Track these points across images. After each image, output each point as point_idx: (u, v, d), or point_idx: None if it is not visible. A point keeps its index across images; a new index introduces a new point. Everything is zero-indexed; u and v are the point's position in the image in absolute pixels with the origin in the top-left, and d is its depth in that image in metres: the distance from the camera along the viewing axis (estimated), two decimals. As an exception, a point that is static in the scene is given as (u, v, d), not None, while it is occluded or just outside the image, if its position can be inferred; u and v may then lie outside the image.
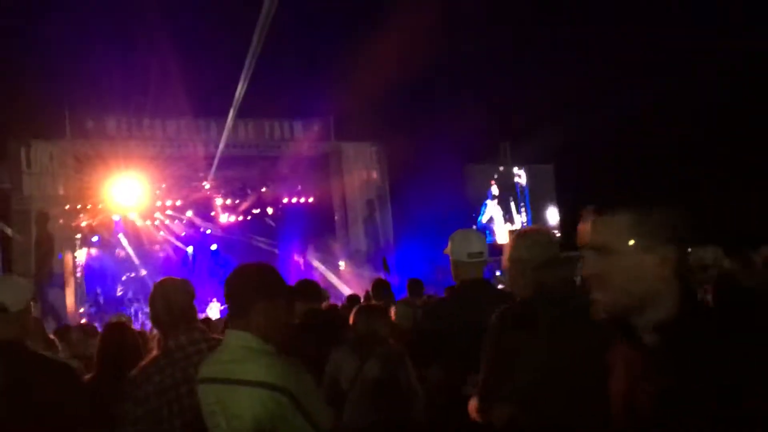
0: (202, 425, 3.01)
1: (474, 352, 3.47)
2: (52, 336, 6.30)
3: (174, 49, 17.05)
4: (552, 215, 25.74)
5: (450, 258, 4.35)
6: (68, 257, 17.61)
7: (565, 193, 25.31)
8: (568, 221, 25.67)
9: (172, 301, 3.41)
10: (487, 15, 19.57)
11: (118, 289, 20.48)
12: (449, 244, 4.35)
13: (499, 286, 6.02)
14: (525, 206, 25.56)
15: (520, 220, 25.47)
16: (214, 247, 23.20)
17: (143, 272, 21.09)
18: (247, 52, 12.78)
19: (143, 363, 3.42)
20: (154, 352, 3.50)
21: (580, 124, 19.86)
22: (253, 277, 2.93)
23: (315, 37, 20.45)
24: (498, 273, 21.86)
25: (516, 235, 3.58)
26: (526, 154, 24.37)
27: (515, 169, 25.45)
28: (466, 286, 4.28)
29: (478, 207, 25.20)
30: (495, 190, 25.21)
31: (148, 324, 11.21)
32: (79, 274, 18.09)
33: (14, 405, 3.11)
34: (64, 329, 7.80)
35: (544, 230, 3.85)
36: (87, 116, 17.74)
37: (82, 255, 18.87)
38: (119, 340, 4.54)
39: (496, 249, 24.44)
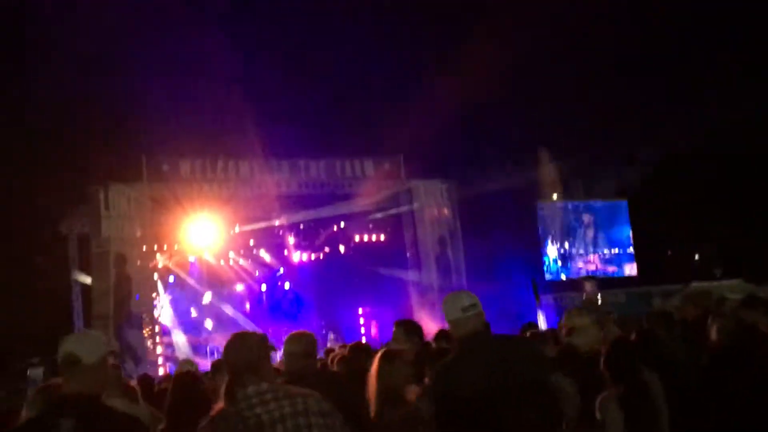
0: None
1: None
2: (133, 383, 6.31)
3: (245, 92, 17.43)
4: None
5: (448, 321, 4.35)
6: (146, 299, 17.92)
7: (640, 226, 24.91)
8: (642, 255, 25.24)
9: (242, 354, 3.41)
10: (557, 52, 19.50)
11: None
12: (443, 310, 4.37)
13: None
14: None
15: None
16: (287, 285, 23.31)
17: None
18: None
19: (212, 414, 3.44)
20: (220, 404, 3.52)
21: (653, 161, 19.60)
22: None
23: (383, 77, 20.63)
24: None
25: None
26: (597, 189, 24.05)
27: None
28: (464, 341, 4.23)
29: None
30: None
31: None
32: (157, 315, 18.38)
33: None
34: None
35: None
36: (162, 160, 18.12)
37: (160, 297, 19.22)
38: (188, 391, 4.61)
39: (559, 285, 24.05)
